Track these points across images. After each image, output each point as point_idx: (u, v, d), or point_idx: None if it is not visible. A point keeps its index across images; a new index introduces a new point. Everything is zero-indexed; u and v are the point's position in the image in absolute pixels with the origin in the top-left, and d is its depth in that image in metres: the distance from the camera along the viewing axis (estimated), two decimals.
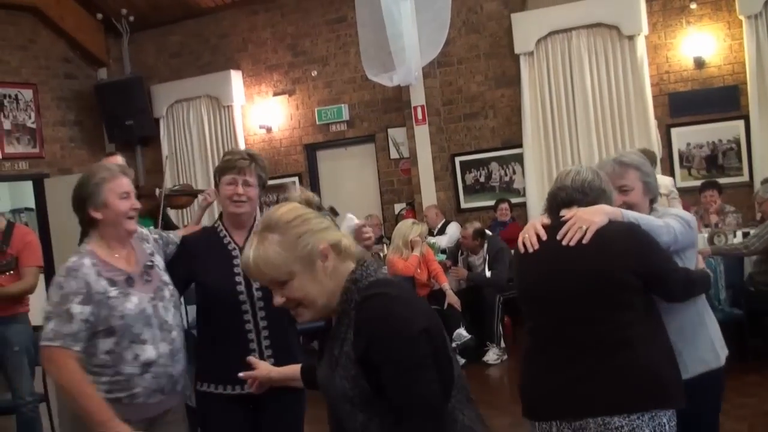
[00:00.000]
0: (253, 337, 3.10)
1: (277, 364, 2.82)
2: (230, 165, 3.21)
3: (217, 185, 3.31)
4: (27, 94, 10.46)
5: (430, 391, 1.93)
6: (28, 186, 10.98)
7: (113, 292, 2.86)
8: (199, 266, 3.16)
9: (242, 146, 10.45)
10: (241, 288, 3.10)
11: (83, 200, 2.94)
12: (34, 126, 10.50)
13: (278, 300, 2.04)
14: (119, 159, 5.30)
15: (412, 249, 7.48)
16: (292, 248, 2.00)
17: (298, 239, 2.00)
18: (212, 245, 3.22)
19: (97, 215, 2.94)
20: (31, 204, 11.17)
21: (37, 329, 5.23)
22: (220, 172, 3.24)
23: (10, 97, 10.26)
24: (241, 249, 3.04)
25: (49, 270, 10.46)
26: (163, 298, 2.99)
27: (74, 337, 2.77)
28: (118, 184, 2.97)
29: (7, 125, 10.18)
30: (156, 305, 2.95)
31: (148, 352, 2.88)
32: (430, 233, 9.00)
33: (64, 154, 10.82)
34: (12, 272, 4.98)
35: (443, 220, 9.07)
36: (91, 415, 2.74)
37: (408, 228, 7.61)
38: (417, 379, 1.92)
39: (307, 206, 2.11)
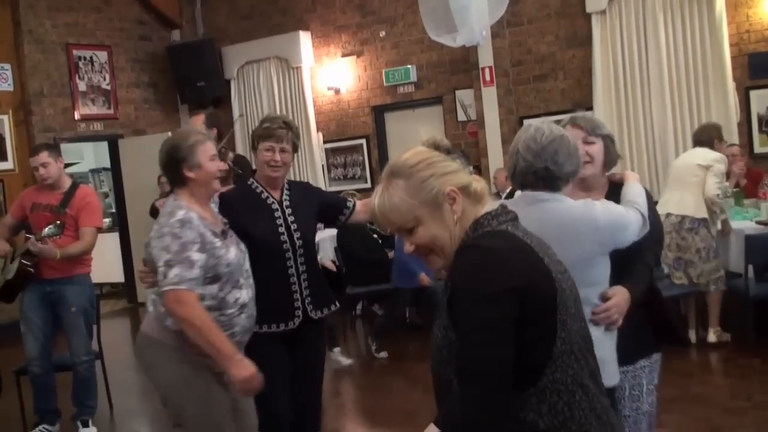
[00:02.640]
0: (295, 281, 3.52)
1: (314, 303, 3.56)
2: (269, 133, 3.53)
3: (254, 148, 3.59)
4: (102, 56, 10.64)
5: (490, 358, 1.77)
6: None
7: (218, 243, 3.14)
8: (244, 219, 3.43)
9: (311, 108, 10.46)
10: (284, 237, 3.49)
11: (178, 161, 3.17)
12: (108, 87, 10.69)
13: (408, 248, 1.95)
14: (202, 118, 5.34)
15: None
16: (417, 193, 1.91)
17: (422, 183, 1.91)
18: (252, 200, 3.54)
19: (191, 175, 3.17)
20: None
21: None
22: (260, 138, 3.55)
23: (85, 59, 10.45)
24: (280, 203, 3.56)
25: (123, 226, 10.82)
26: (242, 249, 3.29)
27: (196, 282, 3.03)
28: (209, 147, 3.24)
29: (82, 87, 10.39)
30: (243, 255, 3.27)
31: (243, 295, 3.21)
32: (497, 197, 8.85)
33: (138, 115, 10.99)
34: (60, 236, 5.07)
35: (511, 186, 8.86)
36: (219, 350, 3.00)
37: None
38: (479, 343, 1.78)
39: (435, 150, 2.00)
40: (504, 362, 1.78)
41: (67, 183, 5.38)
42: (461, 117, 9.65)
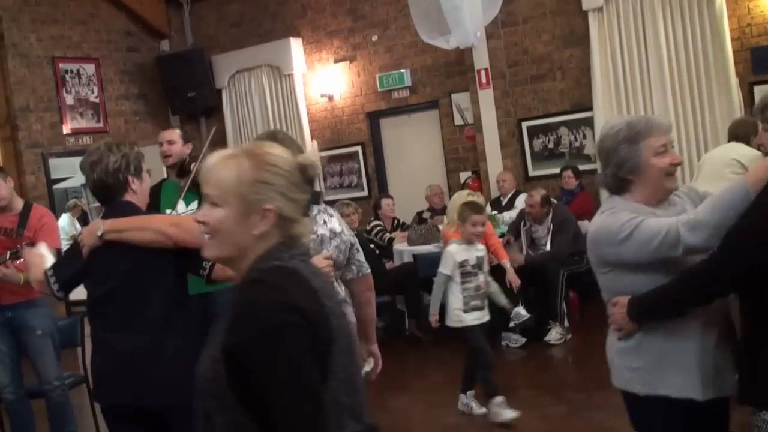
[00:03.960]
0: None
1: None
2: None
3: None
4: (89, 68, 10.41)
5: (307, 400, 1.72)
6: None
7: None
8: None
9: (304, 116, 10.23)
10: None
11: None
12: (97, 100, 10.46)
13: (199, 215, 1.93)
14: (179, 132, 5.23)
15: None
16: (245, 185, 1.86)
17: (256, 182, 1.86)
18: None
19: None
20: None
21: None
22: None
23: (72, 72, 10.23)
24: None
25: None
26: None
27: None
28: None
29: (70, 100, 10.16)
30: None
31: None
32: (497, 203, 8.60)
33: (129, 128, 10.76)
34: (23, 260, 4.82)
35: (515, 189, 8.63)
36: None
37: (462, 200, 7.22)
38: (291, 388, 1.73)
39: (300, 172, 1.94)
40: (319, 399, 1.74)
41: (19, 204, 5.15)
42: (458, 121, 9.40)
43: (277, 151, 1.93)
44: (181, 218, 3.46)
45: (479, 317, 5.43)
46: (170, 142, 5.16)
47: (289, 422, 1.71)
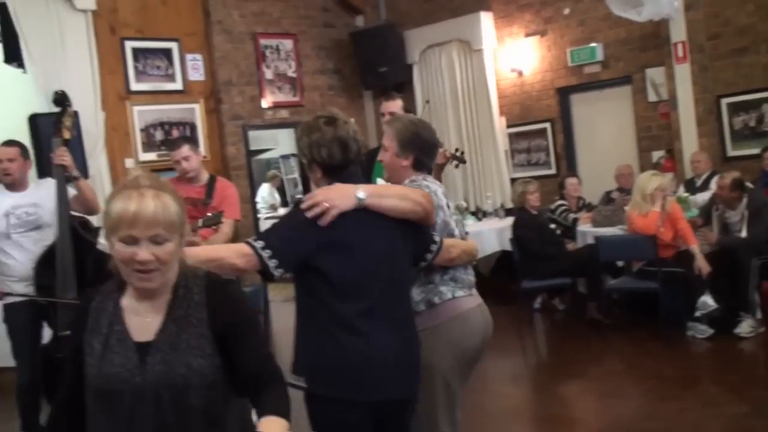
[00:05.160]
0: None
1: None
2: None
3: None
4: (288, 44, 10.79)
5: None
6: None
7: None
8: None
9: (493, 92, 10.12)
10: None
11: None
12: (294, 75, 10.83)
13: (145, 255, 2.00)
14: (400, 104, 5.14)
15: (653, 204, 6.81)
16: (179, 215, 2.06)
17: (180, 209, 2.08)
18: None
19: None
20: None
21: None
22: None
23: (272, 47, 10.64)
24: None
25: None
26: None
27: None
28: None
29: (269, 75, 10.58)
30: None
31: None
32: (691, 184, 8.19)
33: (323, 102, 11.06)
34: (216, 227, 5.05)
35: (710, 170, 8.17)
36: None
37: (646, 180, 6.94)
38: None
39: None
40: None
41: (205, 176, 5.42)
42: (652, 97, 8.98)
43: (160, 179, 2.19)
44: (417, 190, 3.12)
45: None
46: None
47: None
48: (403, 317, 2.87)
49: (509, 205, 9.59)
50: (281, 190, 14.52)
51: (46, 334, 5.14)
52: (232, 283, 2.26)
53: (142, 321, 2.10)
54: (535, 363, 7.22)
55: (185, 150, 5.27)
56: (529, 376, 6.74)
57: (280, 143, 14.50)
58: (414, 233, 2.90)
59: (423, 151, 3.31)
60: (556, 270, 7.57)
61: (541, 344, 7.83)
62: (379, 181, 5.06)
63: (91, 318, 2.12)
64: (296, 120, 10.76)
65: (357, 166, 2.89)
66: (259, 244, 2.65)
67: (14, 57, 8.34)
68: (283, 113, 10.73)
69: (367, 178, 4.26)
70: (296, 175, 13.44)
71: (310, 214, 2.67)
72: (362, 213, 2.73)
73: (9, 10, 8.10)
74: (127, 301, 2.12)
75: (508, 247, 8.22)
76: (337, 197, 2.69)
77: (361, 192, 2.73)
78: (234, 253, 2.64)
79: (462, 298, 3.25)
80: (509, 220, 8.54)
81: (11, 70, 8.85)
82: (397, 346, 2.80)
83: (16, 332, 5.07)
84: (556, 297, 8.48)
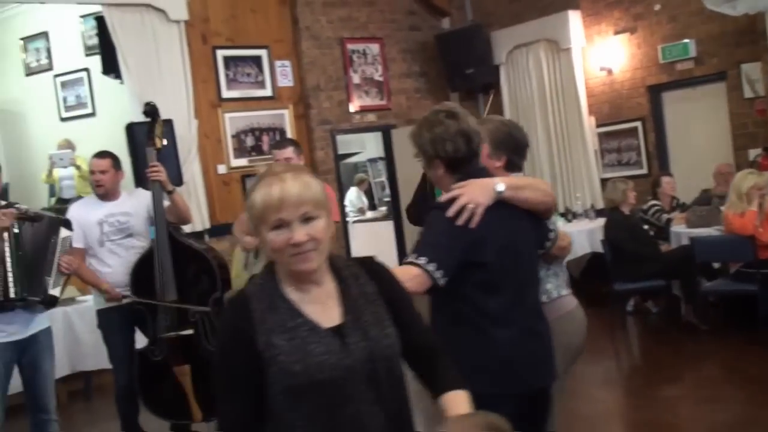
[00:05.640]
0: None
1: None
2: None
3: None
4: (374, 48, 10.86)
5: None
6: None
7: None
8: None
9: (582, 91, 9.98)
10: None
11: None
12: (381, 79, 10.90)
13: (300, 236, 1.97)
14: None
15: (749, 203, 6.62)
16: (322, 192, 2.05)
17: (322, 187, 2.07)
18: None
19: None
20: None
21: None
22: None
23: (359, 52, 10.73)
24: None
25: (397, 215, 11.04)
26: None
27: None
28: None
29: (356, 79, 10.67)
30: None
31: None
32: None
33: (410, 105, 11.10)
34: None
35: None
36: None
37: (742, 179, 6.76)
38: None
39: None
40: None
41: None
42: (748, 94, 8.72)
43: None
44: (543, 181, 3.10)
45: None
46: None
47: None
48: (539, 307, 2.93)
49: (599, 205, 9.45)
50: (369, 194, 14.63)
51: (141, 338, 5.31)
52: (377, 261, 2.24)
53: (320, 308, 2.06)
54: (629, 367, 7.10)
55: (289, 151, 5.37)
56: (622, 380, 6.63)
57: (367, 147, 14.60)
58: (537, 222, 2.92)
59: (515, 151, 3.30)
60: (650, 272, 7.43)
61: (635, 348, 7.69)
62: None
63: (258, 320, 2.01)
64: (383, 123, 10.84)
65: (478, 159, 2.89)
66: (423, 260, 2.61)
67: (112, 69, 8.63)
68: (371, 117, 10.81)
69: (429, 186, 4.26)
70: (384, 178, 13.51)
71: (460, 222, 2.65)
72: (499, 205, 2.73)
73: (107, 23, 8.38)
74: (294, 294, 2.06)
75: (599, 248, 8.11)
76: (480, 194, 2.68)
77: (500, 185, 2.73)
78: (406, 278, 2.44)
79: (566, 296, 3.30)
80: (600, 222, 8.42)
81: (109, 81, 9.17)
82: (540, 335, 2.85)
83: (111, 337, 5.24)
84: (649, 299, 8.32)
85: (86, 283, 5.33)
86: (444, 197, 2.73)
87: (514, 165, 3.28)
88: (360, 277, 2.12)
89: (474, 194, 2.67)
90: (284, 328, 2.00)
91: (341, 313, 2.05)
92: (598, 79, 10.01)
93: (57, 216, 4.78)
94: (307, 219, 1.98)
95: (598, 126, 10.07)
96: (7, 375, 4.46)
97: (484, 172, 2.86)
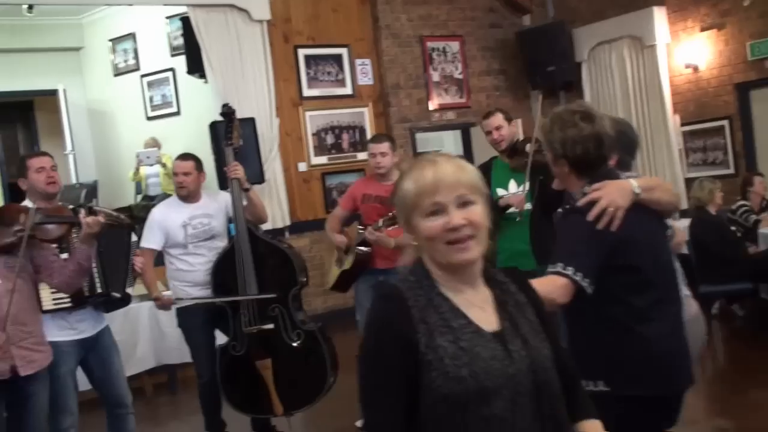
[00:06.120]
0: None
1: None
2: None
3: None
4: (454, 46, 10.85)
5: None
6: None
7: None
8: None
9: (666, 89, 9.80)
10: None
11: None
12: (461, 77, 10.87)
13: (458, 219, 1.82)
14: (500, 117, 5.22)
15: None
16: (479, 177, 1.90)
17: (479, 172, 1.92)
18: None
19: None
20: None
21: None
22: None
23: (438, 50, 10.73)
24: None
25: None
26: None
27: None
28: None
29: (436, 77, 10.67)
30: None
31: None
32: None
33: (489, 103, 11.01)
34: (397, 226, 5.14)
35: None
36: None
37: None
38: None
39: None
40: None
41: (395, 175, 5.51)
42: None
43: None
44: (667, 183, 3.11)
45: None
46: (498, 128, 5.18)
47: None
48: (681, 304, 2.86)
49: (684, 206, 9.25)
50: None
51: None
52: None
53: (479, 310, 1.89)
54: (714, 372, 6.92)
55: (386, 146, 5.43)
56: (707, 385, 6.47)
57: (446, 145, 14.57)
58: (660, 220, 2.87)
59: (627, 150, 3.24)
60: (737, 274, 7.23)
61: (720, 353, 7.49)
62: (499, 191, 5.07)
63: (418, 319, 1.82)
64: (463, 121, 10.81)
65: (608, 161, 2.84)
66: (570, 270, 2.55)
67: (196, 68, 8.82)
68: (450, 115, 10.79)
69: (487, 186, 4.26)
70: None
71: (600, 225, 2.61)
72: (634, 206, 2.68)
73: (192, 24, 8.57)
74: (451, 293, 1.88)
75: (683, 249, 7.92)
76: (618, 197, 2.64)
77: (637, 187, 2.69)
78: (552, 289, 2.47)
79: (688, 297, 3.18)
80: (684, 222, 8.22)
81: (193, 81, 9.37)
82: (685, 336, 2.78)
83: (192, 334, 5.33)
84: (735, 303, 8.10)
85: (144, 283, 5.44)
86: (583, 201, 2.68)
87: (625, 164, 3.21)
88: (510, 287, 1.96)
89: (613, 197, 2.63)
90: (448, 329, 1.82)
91: (498, 320, 1.90)
92: (683, 76, 9.80)
93: (130, 221, 4.87)
94: (463, 203, 1.83)
95: (683, 125, 9.85)
96: (76, 372, 4.57)
97: (613, 174, 2.81)
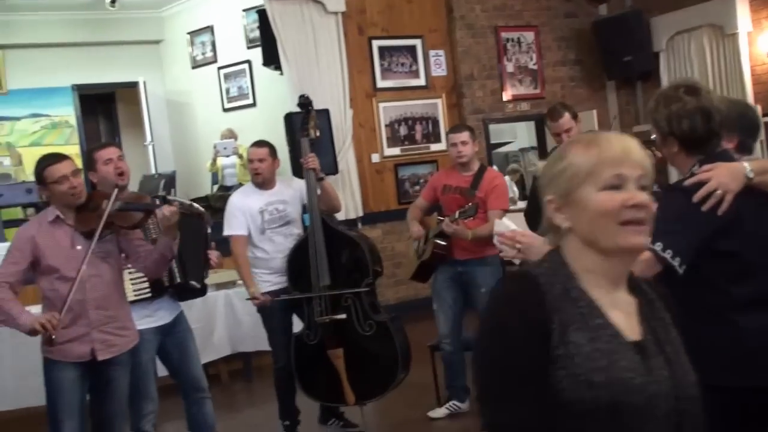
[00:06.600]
0: None
1: None
2: None
3: None
4: (529, 36, 10.75)
5: None
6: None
7: None
8: None
9: (748, 78, 9.54)
10: None
11: None
12: (535, 67, 10.77)
13: (642, 196, 1.61)
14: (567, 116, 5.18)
15: None
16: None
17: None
18: None
19: None
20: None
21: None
22: None
23: (512, 40, 10.64)
24: None
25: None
26: None
27: None
28: None
29: (510, 68, 10.59)
30: None
31: None
32: None
33: (564, 94, 10.90)
34: (473, 218, 5.16)
35: None
36: None
37: None
38: None
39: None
40: None
41: (476, 166, 5.53)
42: None
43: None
44: None
45: None
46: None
47: None
48: None
49: None
50: (519, 184, 14.47)
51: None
52: None
53: (620, 314, 1.64)
54: None
55: (465, 135, 5.48)
56: None
57: (519, 136, 14.43)
58: None
59: (749, 132, 3.14)
60: None
61: None
62: None
63: (552, 308, 1.58)
64: (537, 113, 10.71)
65: (720, 139, 2.71)
66: (658, 246, 2.44)
67: (272, 60, 8.93)
68: (524, 106, 10.71)
69: None
70: (536, 167, 13.34)
71: (706, 207, 2.49)
72: (746, 190, 2.55)
73: (268, 16, 8.68)
74: (592, 288, 1.64)
75: None
76: (730, 180, 2.51)
77: (750, 171, 2.54)
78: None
79: None
80: None
81: (268, 73, 9.49)
82: None
83: (270, 320, 5.42)
84: None
85: (241, 276, 5.51)
86: (691, 180, 2.56)
87: (746, 147, 3.10)
88: (656, 301, 1.72)
89: (724, 179, 2.50)
90: (584, 325, 1.58)
91: (641, 331, 1.64)
92: (765, 65, 9.53)
93: (202, 210, 4.94)
94: (642, 186, 1.62)
95: (765, 115, 9.58)
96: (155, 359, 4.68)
97: (728, 155, 2.69)
